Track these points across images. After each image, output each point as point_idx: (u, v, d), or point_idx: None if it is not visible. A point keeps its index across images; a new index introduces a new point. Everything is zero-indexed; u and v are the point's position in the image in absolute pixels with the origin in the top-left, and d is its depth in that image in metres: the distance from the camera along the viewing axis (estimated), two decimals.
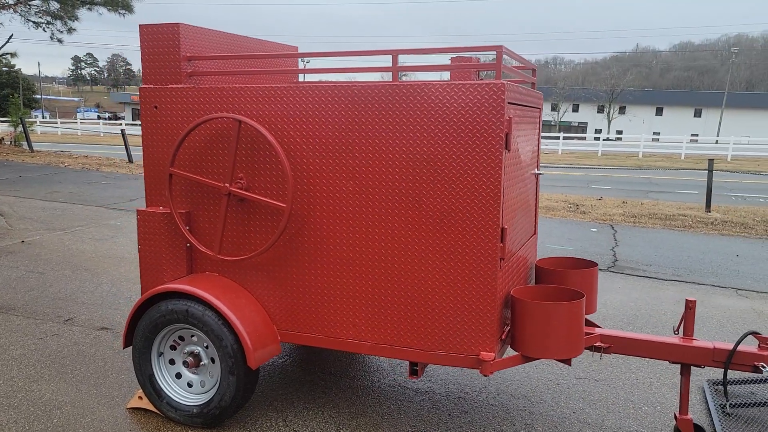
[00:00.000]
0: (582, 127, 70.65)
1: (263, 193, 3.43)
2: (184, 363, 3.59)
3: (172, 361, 3.67)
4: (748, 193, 16.89)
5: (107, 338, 4.83)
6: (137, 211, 3.68)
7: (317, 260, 3.38)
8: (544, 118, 71.39)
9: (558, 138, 36.85)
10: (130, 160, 18.14)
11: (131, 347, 3.68)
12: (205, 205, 3.62)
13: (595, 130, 66.12)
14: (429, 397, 4.00)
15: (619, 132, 65.55)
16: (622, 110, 70.77)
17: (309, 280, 3.42)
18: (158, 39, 3.62)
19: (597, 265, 3.82)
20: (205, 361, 3.58)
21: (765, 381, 4.17)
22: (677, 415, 3.35)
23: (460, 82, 2.98)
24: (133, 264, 7.02)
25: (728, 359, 3.16)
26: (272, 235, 3.45)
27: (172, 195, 3.63)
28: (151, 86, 3.65)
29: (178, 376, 3.66)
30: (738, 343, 3.16)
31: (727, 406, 3.82)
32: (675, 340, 3.28)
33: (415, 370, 3.36)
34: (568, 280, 3.76)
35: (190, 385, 3.64)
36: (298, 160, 3.33)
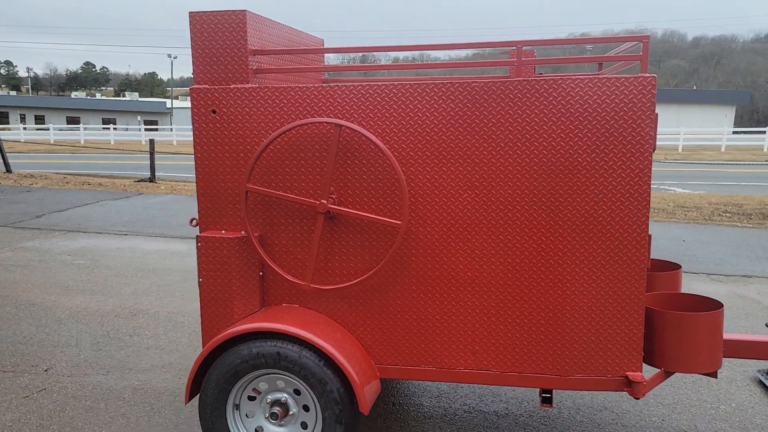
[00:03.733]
0: None
1: (360, 208, 2.97)
2: (272, 415, 3.02)
3: (250, 414, 3.09)
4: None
5: (111, 386, 4.05)
6: (198, 237, 3.06)
7: (427, 282, 2.98)
8: None
9: None
10: (8, 170, 16.04)
11: (199, 401, 3.05)
12: (282, 226, 3.08)
13: None
14: (513, 419, 3.72)
15: None
16: None
17: (416, 306, 3.01)
18: (218, 29, 3.01)
19: (681, 267, 3.73)
20: (293, 410, 3.04)
21: None
22: None
23: (605, 76, 2.71)
24: (87, 293, 6.06)
25: None
26: (370, 257, 2.99)
27: (248, 216, 3.05)
28: (207, 87, 3.04)
29: (259, 430, 3.09)
30: None
31: None
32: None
33: (548, 398, 3.06)
34: (655, 283, 3.63)
35: None
36: (405, 169, 2.91)
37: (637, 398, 2.87)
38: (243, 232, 3.09)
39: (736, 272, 7.14)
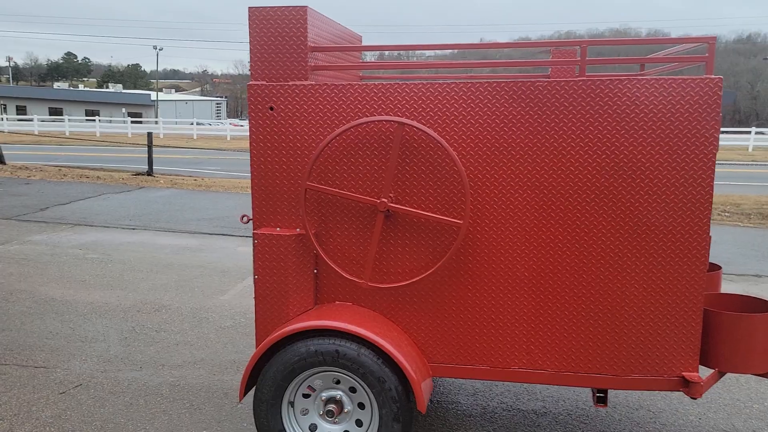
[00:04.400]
0: None
1: (417, 207, 2.97)
2: (327, 413, 3.02)
3: (304, 411, 3.09)
4: None
5: (147, 382, 4.02)
6: (255, 234, 3.04)
7: (483, 281, 2.99)
8: None
9: None
10: (2, 161, 15.81)
11: (254, 398, 3.04)
12: (337, 224, 3.07)
13: None
14: (552, 418, 3.75)
15: None
16: None
17: (471, 304, 3.02)
18: (277, 25, 3.00)
19: (721, 267, 3.78)
20: (348, 407, 3.04)
21: None
22: None
23: (671, 77, 2.74)
24: (105, 288, 6.00)
25: None
26: (426, 256, 3.00)
27: (307, 214, 3.04)
28: (265, 83, 3.03)
29: (313, 428, 3.09)
30: None
31: None
32: None
33: (602, 398, 3.09)
34: None
35: None
36: (466, 167, 2.91)
37: (694, 398, 2.91)
38: (299, 229, 3.09)
39: (746, 271, 7.24)
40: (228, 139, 36.92)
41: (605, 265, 2.88)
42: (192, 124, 41.21)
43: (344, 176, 3.02)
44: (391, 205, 2.93)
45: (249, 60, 3.10)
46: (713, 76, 2.72)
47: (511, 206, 2.91)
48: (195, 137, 37.24)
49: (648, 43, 3.29)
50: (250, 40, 3.05)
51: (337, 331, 2.95)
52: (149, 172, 14.68)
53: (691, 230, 2.81)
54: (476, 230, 2.95)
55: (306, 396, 3.08)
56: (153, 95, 64.69)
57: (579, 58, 2.90)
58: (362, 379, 2.93)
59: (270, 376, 3.00)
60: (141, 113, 59.06)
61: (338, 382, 3.03)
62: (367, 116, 2.95)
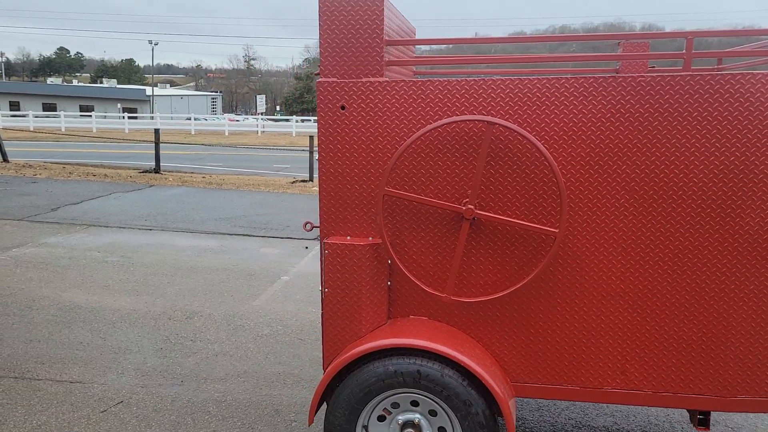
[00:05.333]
0: None
1: (503, 213, 2.73)
2: None
3: None
4: None
5: (191, 398, 3.78)
6: (326, 243, 2.80)
7: (574, 295, 2.76)
8: None
9: None
10: (5, 159, 15.47)
11: (325, 422, 2.81)
12: (413, 233, 2.83)
13: None
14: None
15: None
16: None
17: (561, 320, 2.79)
18: (351, 17, 2.75)
19: None
20: (427, 431, 2.81)
21: None
22: None
23: None
24: (131, 294, 5.74)
25: None
26: (511, 267, 2.76)
27: (386, 223, 2.80)
28: (336, 80, 2.78)
29: None
30: None
31: None
32: None
33: (704, 420, 2.87)
34: None
35: None
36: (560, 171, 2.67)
37: None
38: (371, 238, 2.85)
39: None
40: (226, 134, 36.61)
41: (710, 277, 2.65)
42: (189, 119, 40.78)
43: (423, 181, 2.78)
44: (479, 212, 2.69)
45: (319, 55, 2.85)
46: None
47: (607, 213, 2.68)
48: (193, 132, 36.92)
49: (755, 34, 3.06)
50: (320, 33, 2.80)
51: (417, 350, 2.72)
52: (156, 170, 14.39)
53: None
54: (569, 239, 2.72)
55: (381, 419, 2.85)
56: (148, 90, 64.18)
57: (684, 51, 2.66)
58: (446, 401, 2.70)
59: (344, 398, 2.76)
60: (136, 108, 58.55)
61: (416, 404, 2.80)
62: (450, 115, 2.71)
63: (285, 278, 6.36)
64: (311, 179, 13.51)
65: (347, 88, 2.78)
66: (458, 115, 2.70)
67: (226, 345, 4.63)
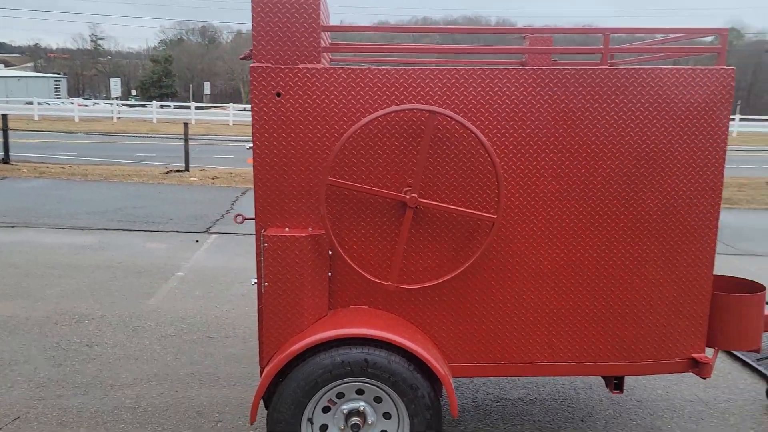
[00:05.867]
0: None
1: (442, 201, 2.80)
2: (353, 426, 2.78)
3: (323, 427, 2.83)
4: None
5: (99, 407, 3.49)
6: (264, 236, 2.71)
7: (507, 277, 2.91)
8: None
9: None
10: None
11: (269, 419, 2.73)
12: (353, 222, 2.82)
13: None
14: (540, 404, 3.79)
15: None
16: None
17: (494, 301, 2.92)
18: (286, 1, 2.66)
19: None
20: (372, 419, 2.83)
21: None
22: None
23: (688, 67, 2.80)
24: (6, 299, 5.15)
25: None
26: (449, 253, 2.85)
27: (328, 213, 2.75)
28: (270, 65, 2.69)
29: None
30: None
31: None
32: None
33: (618, 385, 3.14)
34: None
35: None
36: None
37: (704, 378, 3.04)
38: (311, 229, 2.79)
39: None
40: (76, 120, 33.70)
41: (622, 255, 2.90)
42: (31, 103, 37.00)
43: (363, 170, 2.77)
44: (422, 200, 2.73)
45: (252, 39, 2.73)
46: (727, 67, 2.82)
47: (537, 198, 2.84)
48: (37, 118, 33.56)
49: (662, 32, 3.35)
50: (253, 17, 2.68)
51: (364, 339, 2.72)
52: (5, 160, 12.95)
53: (704, 219, 2.91)
54: (504, 225, 2.85)
55: (326, 410, 2.82)
56: None
57: (602, 46, 2.86)
58: (393, 387, 2.73)
59: (289, 393, 2.70)
60: None
61: (361, 392, 2.81)
62: (390, 104, 2.71)
63: (179, 274, 6.04)
64: (187, 169, 12.87)
65: (283, 74, 2.69)
66: (400, 104, 2.71)
67: (129, 348, 4.32)
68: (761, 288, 3.25)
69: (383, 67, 2.73)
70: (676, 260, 2.92)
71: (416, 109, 2.68)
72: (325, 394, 2.77)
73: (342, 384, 2.75)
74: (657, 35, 3.36)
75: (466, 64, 3.83)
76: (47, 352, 4.19)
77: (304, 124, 2.73)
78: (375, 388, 2.78)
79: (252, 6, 2.66)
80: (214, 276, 5.99)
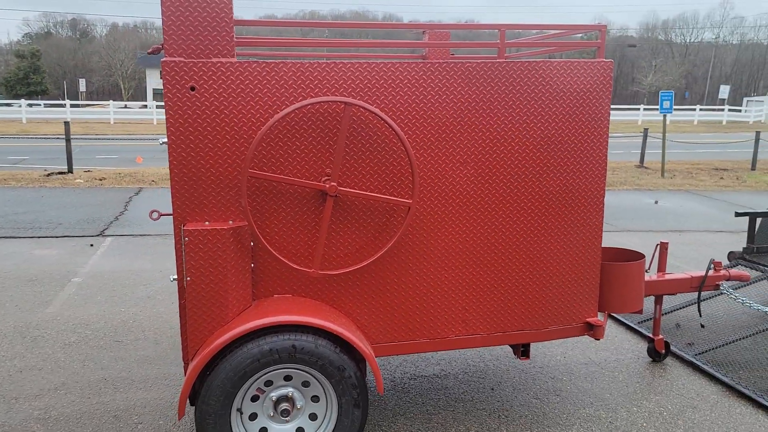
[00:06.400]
0: None
1: (359, 188, 2.93)
2: (283, 412, 2.85)
3: (252, 416, 2.88)
4: None
5: (5, 422, 3.31)
6: (185, 230, 2.71)
7: (423, 258, 3.09)
8: (157, 85, 68.39)
9: None
10: None
11: (197, 412, 2.74)
12: (274, 213, 2.89)
13: None
14: (454, 378, 4.03)
15: None
16: None
17: (412, 282, 3.10)
18: None
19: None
20: (300, 403, 2.92)
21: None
22: (652, 336, 4.24)
23: (574, 60, 3.10)
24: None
25: (701, 284, 4.13)
26: (368, 238, 2.99)
27: (249, 204, 2.78)
28: (183, 60, 2.69)
29: (263, 431, 2.89)
30: (708, 270, 4.15)
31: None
32: (674, 276, 4.09)
33: (525, 351, 3.42)
34: None
35: None
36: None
37: (597, 339, 3.38)
38: (231, 221, 2.82)
39: None
40: None
41: (527, 231, 3.17)
42: None
43: (282, 161, 2.83)
44: (342, 188, 2.84)
45: (162, 33, 2.70)
46: (606, 60, 3.14)
47: (447, 183, 3.03)
48: None
49: (552, 28, 3.63)
50: (162, 11, 2.66)
51: (290, 325, 2.79)
52: None
53: (593, 198, 3.23)
54: (417, 208, 3.02)
55: (254, 399, 2.87)
56: None
57: (499, 41, 3.10)
58: (320, 370, 2.82)
59: (217, 385, 2.72)
60: None
61: (289, 378, 2.88)
62: (305, 97, 2.80)
63: (76, 280, 5.74)
64: (70, 170, 12.11)
65: (196, 68, 2.70)
66: (315, 97, 2.80)
67: (29, 359, 4.10)
68: (641, 256, 3.66)
69: (298, 61, 2.80)
70: (570, 235, 3.23)
71: (332, 101, 2.78)
72: (253, 383, 2.82)
73: (270, 372, 2.81)
74: (548, 31, 3.66)
75: (363, 58, 3.96)
76: None
77: (220, 118, 2.75)
78: (303, 373, 2.86)
79: (162, 0, 2.64)
80: (114, 279, 5.76)
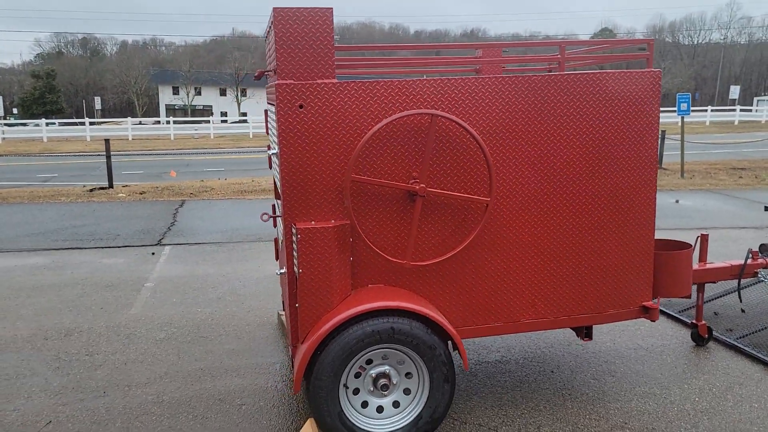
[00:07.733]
0: (207, 110, 70.71)
1: (444, 189, 3.33)
2: (382, 387, 3.25)
3: (356, 391, 3.28)
4: None
5: (126, 404, 3.73)
6: (298, 228, 3.12)
7: (497, 250, 3.48)
8: (170, 101, 69.35)
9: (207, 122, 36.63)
10: None
11: (311, 388, 3.14)
12: (370, 212, 3.30)
13: (221, 113, 67.01)
14: (515, 363, 4.40)
15: (244, 114, 67.65)
16: (243, 93, 72.48)
17: (487, 271, 3.49)
18: (305, 26, 3.10)
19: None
20: (396, 379, 3.31)
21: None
22: (695, 322, 4.60)
23: (628, 71, 3.49)
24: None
25: (741, 271, 4.49)
26: (450, 232, 3.39)
27: (352, 205, 3.20)
28: (293, 82, 3.11)
29: (365, 404, 3.30)
30: (746, 259, 4.52)
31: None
32: (715, 264, 4.46)
33: (588, 333, 3.80)
34: None
35: (379, 411, 3.32)
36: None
37: (653, 321, 3.76)
38: (333, 221, 3.23)
39: None
40: None
41: (588, 226, 3.56)
42: None
43: (377, 167, 3.24)
44: (430, 189, 3.25)
45: (274, 59, 3.13)
46: (655, 69, 3.54)
47: (516, 182, 3.43)
48: None
49: (607, 44, 4.04)
50: (276, 41, 3.09)
51: (387, 310, 3.19)
52: None
53: (646, 197, 3.62)
54: (494, 206, 3.42)
55: (357, 376, 3.27)
56: None
57: (559, 55, 3.51)
58: (414, 349, 3.22)
59: (329, 362, 3.13)
60: None
61: (386, 357, 3.28)
62: (395, 111, 3.21)
63: (149, 285, 6.19)
64: (111, 186, 12.64)
65: (304, 89, 3.12)
66: (403, 111, 3.22)
67: (129, 353, 4.53)
68: (689, 246, 4.03)
69: (387, 79, 3.22)
70: (627, 228, 3.62)
71: (421, 114, 3.20)
72: (357, 361, 3.22)
73: (371, 351, 3.22)
74: (602, 45, 4.06)
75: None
76: (50, 364, 4.33)
77: (323, 131, 3.17)
78: (398, 352, 3.26)
79: (274, 32, 3.07)
80: (184, 284, 6.20)
